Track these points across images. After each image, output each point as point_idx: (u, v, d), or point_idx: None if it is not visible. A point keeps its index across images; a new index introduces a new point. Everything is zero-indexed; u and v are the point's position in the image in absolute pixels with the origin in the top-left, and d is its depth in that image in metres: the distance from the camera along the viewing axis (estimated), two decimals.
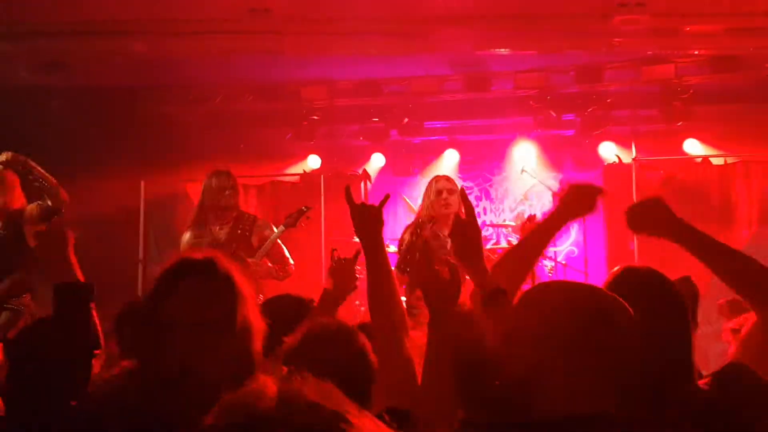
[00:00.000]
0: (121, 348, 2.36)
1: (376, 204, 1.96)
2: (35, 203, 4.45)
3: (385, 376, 1.62)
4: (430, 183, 4.91)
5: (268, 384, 0.85)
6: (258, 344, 1.52)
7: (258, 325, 1.53)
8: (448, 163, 8.23)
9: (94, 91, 6.87)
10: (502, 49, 6.25)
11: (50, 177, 4.37)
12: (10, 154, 4.37)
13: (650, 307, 1.53)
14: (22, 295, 4.41)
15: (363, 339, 1.71)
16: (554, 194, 7.16)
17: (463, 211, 1.89)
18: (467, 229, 1.84)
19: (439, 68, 7.11)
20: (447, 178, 4.95)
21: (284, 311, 2.02)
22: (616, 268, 1.76)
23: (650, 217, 1.97)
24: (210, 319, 1.46)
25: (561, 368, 1.30)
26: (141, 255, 7.25)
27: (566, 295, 1.39)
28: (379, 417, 1.41)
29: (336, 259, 2.52)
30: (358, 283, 2.55)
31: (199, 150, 6.99)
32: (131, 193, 7.19)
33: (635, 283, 1.65)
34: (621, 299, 1.38)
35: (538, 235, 2.09)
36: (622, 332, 1.33)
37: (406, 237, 4.72)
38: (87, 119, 6.86)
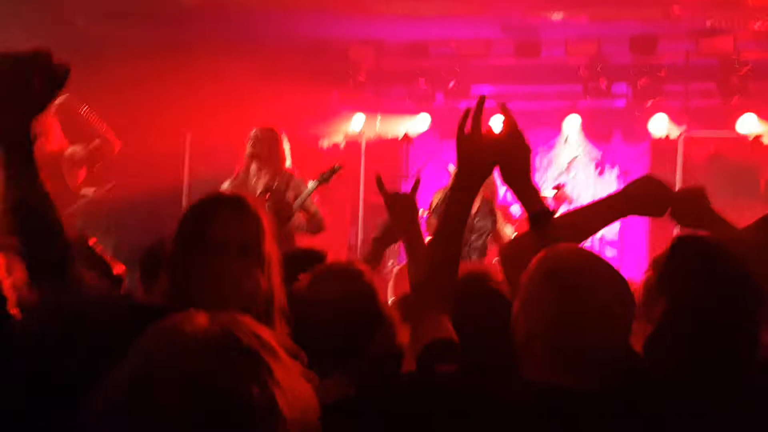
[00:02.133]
0: (145, 284, 2.47)
1: (408, 191, 1.98)
2: (79, 146, 4.56)
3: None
4: None
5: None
6: (278, 275, 1.64)
7: (278, 258, 1.66)
8: (495, 128, 8.15)
9: (146, 42, 7.00)
10: (555, 14, 6.11)
11: (101, 123, 4.49)
12: (65, 96, 4.50)
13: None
14: None
15: (369, 282, 1.74)
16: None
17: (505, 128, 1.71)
18: (512, 149, 1.69)
19: (489, 31, 7.00)
20: None
21: (299, 262, 2.08)
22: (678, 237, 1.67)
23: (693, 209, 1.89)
24: (242, 245, 1.59)
25: (544, 340, 1.33)
26: (184, 204, 7.44)
27: (557, 265, 1.39)
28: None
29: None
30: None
31: (245, 105, 7.09)
32: (177, 144, 7.35)
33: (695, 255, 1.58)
34: (618, 276, 1.39)
35: (589, 215, 1.87)
36: (605, 310, 1.33)
37: (435, 200, 4.81)
38: (138, 69, 7.00)
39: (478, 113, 1.61)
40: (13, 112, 1.39)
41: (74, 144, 4.64)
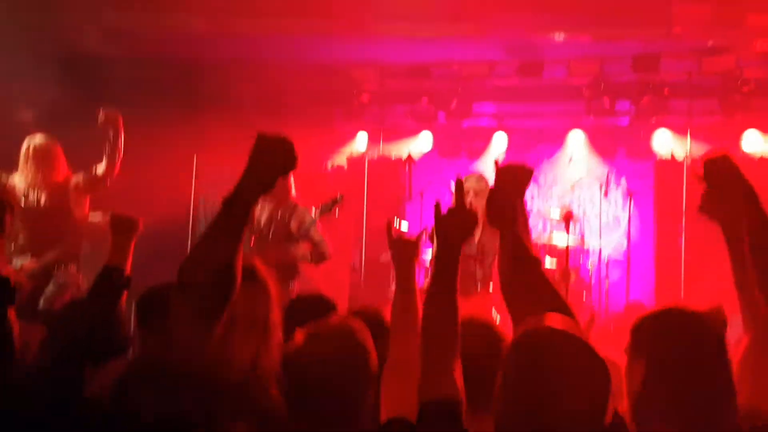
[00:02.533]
0: (140, 329, 2.44)
1: (414, 236, 2.07)
2: (81, 173, 4.56)
3: (396, 389, 1.67)
4: None
5: None
6: (278, 342, 1.76)
7: (280, 323, 1.78)
8: (497, 147, 8.17)
9: (155, 63, 7.05)
10: (557, 34, 6.15)
11: (120, 152, 4.46)
12: (115, 112, 4.45)
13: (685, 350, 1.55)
14: (68, 265, 4.49)
15: (362, 340, 1.75)
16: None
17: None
18: (499, 195, 1.84)
19: (491, 52, 7.04)
20: (478, 178, 4.82)
21: (307, 311, 2.11)
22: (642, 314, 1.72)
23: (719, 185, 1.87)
24: (252, 319, 1.70)
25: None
26: (190, 227, 7.45)
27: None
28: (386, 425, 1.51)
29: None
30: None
31: (252, 126, 7.10)
32: (184, 166, 7.37)
33: (668, 326, 1.63)
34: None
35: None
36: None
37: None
38: (147, 90, 7.04)
39: (459, 195, 1.75)
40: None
41: (77, 172, 4.62)
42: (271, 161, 1.60)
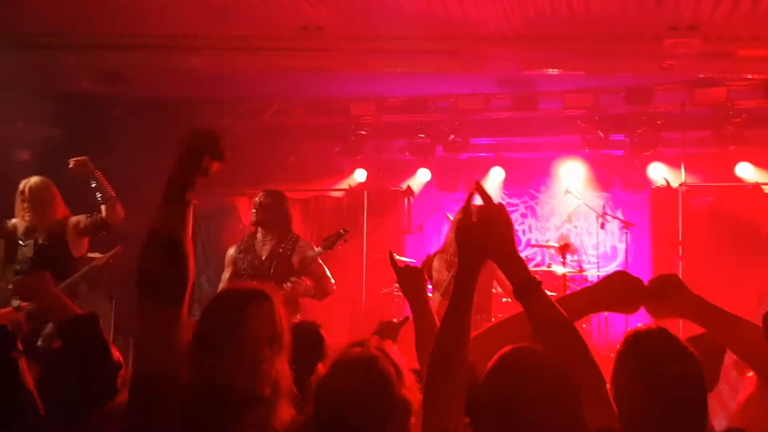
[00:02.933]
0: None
1: (418, 265, 2.16)
2: (84, 215, 4.57)
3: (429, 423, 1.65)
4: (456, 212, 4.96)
5: None
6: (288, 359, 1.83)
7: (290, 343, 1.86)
8: (494, 180, 8.24)
9: (151, 102, 7.13)
10: (551, 70, 6.24)
11: (111, 192, 4.49)
12: (82, 158, 4.47)
13: (664, 373, 1.63)
14: None
15: (384, 369, 1.76)
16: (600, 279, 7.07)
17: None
18: (491, 223, 1.72)
19: (486, 86, 7.14)
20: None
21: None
22: (629, 330, 1.79)
23: (668, 297, 1.90)
24: (271, 337, 1.79)
25: None
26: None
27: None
28: None
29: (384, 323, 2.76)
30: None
31: (249, 163, 7.18)
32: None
33: (648, 346, 1.70)
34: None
35: (566, 308, 1.79)
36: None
37: (435, 263, 4.89)
38: (143, 129, 7.11)
39: (469, 201, 1.70)
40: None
41: (76, 214, 4.65)
42: (202, 147, 1.76)
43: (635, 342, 1.72)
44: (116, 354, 2.25)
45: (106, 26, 5.66)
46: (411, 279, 2.07)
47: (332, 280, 4.78)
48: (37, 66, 6.13)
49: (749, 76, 6.38)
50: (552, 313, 1.59)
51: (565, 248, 6.25)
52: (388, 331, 2.72)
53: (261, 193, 4.83)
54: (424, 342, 1.90)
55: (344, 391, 1.71)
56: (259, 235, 4.76)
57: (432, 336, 1.68)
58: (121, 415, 1.67)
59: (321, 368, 1.76)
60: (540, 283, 1.64)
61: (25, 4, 5.18)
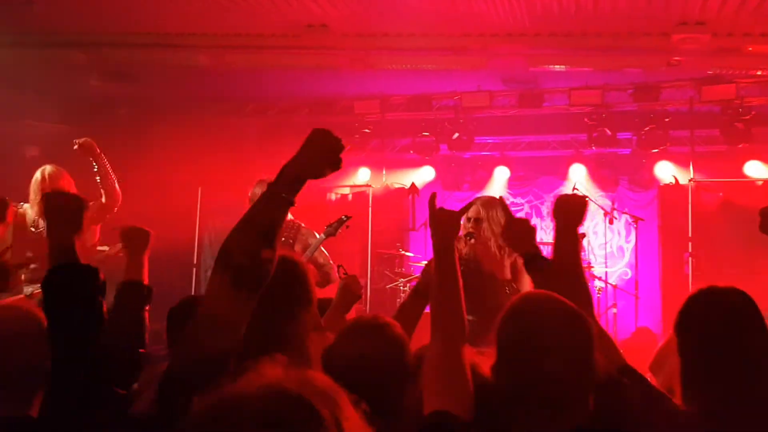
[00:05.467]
0: (169, 338, 2.46)
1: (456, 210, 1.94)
2: (90, 202, 4.57)
3: (439, 379, 1.62)
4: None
5: (265, 372, 0.90)
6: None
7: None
8: (499, 179, 8.21)
9: (159, 101, 7.14)
10: (558, 66, 6.20)
11: (111, 175, 4.50)
12: (87, 139, 4.48)
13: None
14: None
15: (397, 335, 1.77)
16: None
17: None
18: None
19: (491, 83, 7.11)
20: (485, 201, 4.45)
21: None
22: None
23: None
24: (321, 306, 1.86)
25: None
26: (195, 260, 7.46)
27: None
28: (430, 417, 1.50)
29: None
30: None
31: (254, 160, 7.17)
32: (189, 199, 7.42)
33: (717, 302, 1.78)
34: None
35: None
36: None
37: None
38: (151, 126, 7.12)
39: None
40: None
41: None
42: (320, 151, 1.64)
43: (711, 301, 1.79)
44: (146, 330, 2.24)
45: (113, 25, 5.66)
46: (446, 221, 1.86)
47: (338, 266, 4.73)
48: (46, 64, 6.14)
49: (759, 73, 6.32)
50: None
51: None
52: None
53: (259, 182, 4.75)
54: (440, 307, 1.75)
55: (358, 354, 1.69)
56: None
57: (449, 300, 1.69)
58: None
59: (330, 336, 1.74)
60: (545, 257, 1.87)
61: (34, 3, 5.17)
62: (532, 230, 2.19)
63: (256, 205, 1.58)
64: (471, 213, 4.34)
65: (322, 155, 1.63)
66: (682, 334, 1.78)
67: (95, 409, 1.72)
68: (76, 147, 4.48)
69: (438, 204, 1.84)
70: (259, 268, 1.51)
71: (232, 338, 1.46)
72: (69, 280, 1.75)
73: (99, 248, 4.64)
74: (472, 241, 3.95)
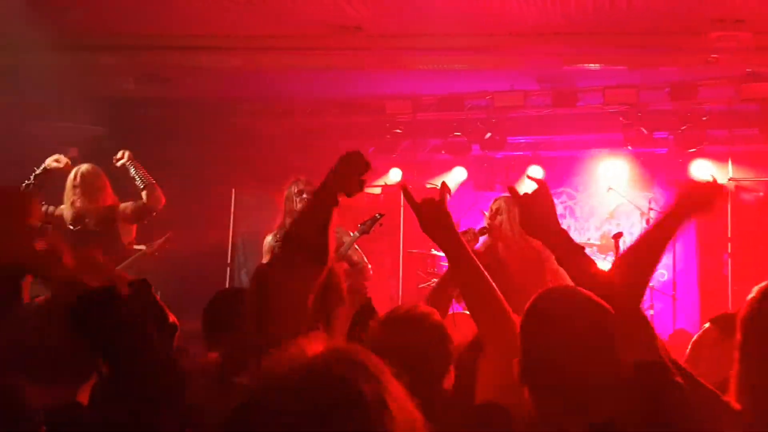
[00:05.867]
0: (207, 330, 2.48)
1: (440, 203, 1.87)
2: (130, 202, 4.67)
3: (487, 363, 1.63)
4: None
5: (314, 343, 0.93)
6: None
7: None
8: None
9: (192, 103, 7.24)
10: (592, 65, 6.13)
11: (150, 177, 4.61)
12: (127, 152, 4.65)
13: None
14: None
15: (438, 322, 1.79)
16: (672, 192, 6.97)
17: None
18: (535, 202, 1.78)
19: (524, 83, 7.05)
20: (507, 199, 4.49)
21: None
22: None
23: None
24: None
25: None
26: (229, 259, 7.55)
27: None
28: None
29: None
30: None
31: (287, 161, 7.23)
32: (223, 200, 7.51)
33: None
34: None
35: (652, 235, 1.97)
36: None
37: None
38: (185, 128, 7.23)
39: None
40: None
41: (124, 201, 4.75)
42: (348, 169, 1.83)
43: None
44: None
45: (147, 28, 5.77)
46: (431, 212, 1.76)
47: (369, 266, 4.75)
48: (83, 68, 6.28)
49: None
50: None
51: (618, 236, 6.08)
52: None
53: (300, 180, 4.79)
54: (475, 301, 1.71)
55: (400, 344, 1.69)
56: None
57: (479, 291, 1.67)
58: None
59: (372, 325, 1.76)
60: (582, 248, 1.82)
61: (70, 7, 5.30)
62: (551, 209, 1.81)
63: (309, 205, 1.83)
64: (493, 205, 4.39)
65: (351, 178, 1.81)
66: (748, 333, 1.71)
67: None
68: (119, 164, 4.60)
69: (448, 201, 1.84)
70: (323, 243, 1.69)
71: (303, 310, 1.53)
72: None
73: (135, 247, 4.73)
74: (485, 235, 3.97)
